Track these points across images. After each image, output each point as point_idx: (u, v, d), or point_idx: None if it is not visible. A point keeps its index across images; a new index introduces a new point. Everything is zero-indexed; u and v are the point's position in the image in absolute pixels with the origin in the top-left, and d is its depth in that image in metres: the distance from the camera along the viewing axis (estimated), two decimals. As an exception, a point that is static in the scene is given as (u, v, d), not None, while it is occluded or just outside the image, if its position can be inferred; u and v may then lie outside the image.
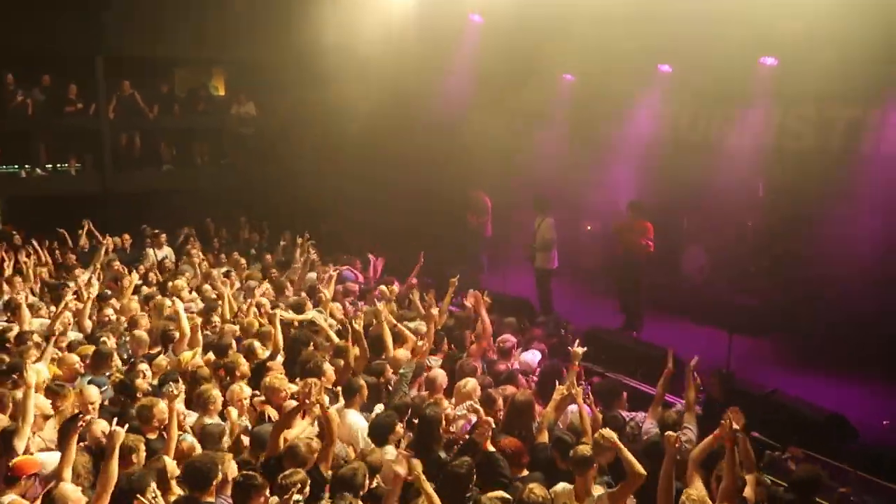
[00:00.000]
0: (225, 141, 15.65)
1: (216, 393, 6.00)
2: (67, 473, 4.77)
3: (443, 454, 5.29)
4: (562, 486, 5.06)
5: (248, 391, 6.25)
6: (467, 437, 5.62)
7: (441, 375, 6.65)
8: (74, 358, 6.77)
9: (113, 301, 8.90)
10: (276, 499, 4.47)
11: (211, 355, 7.15)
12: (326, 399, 5.45)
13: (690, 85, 11.60)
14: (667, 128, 11.92)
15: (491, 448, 5.22)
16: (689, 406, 6.14)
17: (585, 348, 6.53)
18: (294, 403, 5.63)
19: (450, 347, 7.78)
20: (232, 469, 4.88)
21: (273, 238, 13.54)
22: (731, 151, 11.25)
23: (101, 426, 5.27)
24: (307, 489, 4.67)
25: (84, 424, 5.02)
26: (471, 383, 6.38)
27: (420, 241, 11.47)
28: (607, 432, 5.13)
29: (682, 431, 5.75)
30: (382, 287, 9.67)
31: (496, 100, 11.95)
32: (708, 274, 10.89)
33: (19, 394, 5.58)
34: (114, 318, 8.35)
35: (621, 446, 4.97)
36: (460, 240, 12.66)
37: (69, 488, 4.60)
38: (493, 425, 5.43)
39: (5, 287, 9.47)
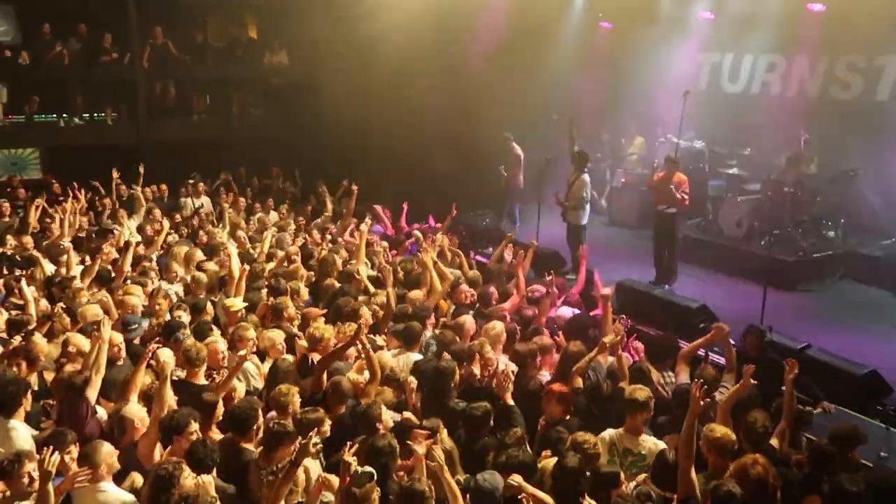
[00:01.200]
0: (257, 90, 15.63)
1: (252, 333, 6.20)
2: (134, 396, 5.11)
3: (461, 403, 5.30)
4: (609, 432, 5.14)
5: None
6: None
7: (469, 321, 6.74)
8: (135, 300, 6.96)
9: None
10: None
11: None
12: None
13: (732, 32, 11.25)
14: (707, 76, 11.63)
15: (510, 401, 5.27)
16: (731, 366, 6.15)
17: (611, 290, 6.55)
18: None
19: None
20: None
21: (306, 187, 13.61)
22: (773, 101, 10.96)
23: (164, 355, 5.48)
24: (326, 428, 4.79)
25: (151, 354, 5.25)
26: (498, 326, 6.49)
27: (453, 190, 11.43)
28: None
29: (719, 390, 5.79)
30: (416, 233, 9.68)
31: (532, 46, 11.70)
32: (745, 227, 10.70)
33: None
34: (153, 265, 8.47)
35: None
36: (493, 190, 12.57)
37: (135, 407, 4.93)
38: (511, 377, 5.48)
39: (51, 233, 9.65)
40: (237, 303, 6.95)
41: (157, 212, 11.15)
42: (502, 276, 8.35)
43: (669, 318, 8.32)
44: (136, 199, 11.22)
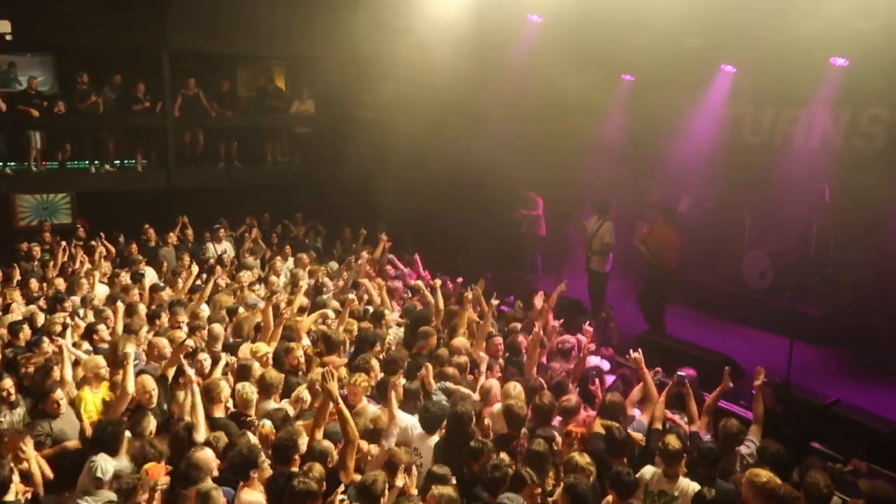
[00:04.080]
0: (284, 139, 15.95)
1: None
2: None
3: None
4: (649, 469, 5.27)
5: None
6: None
7: (496, 386, 6.58)
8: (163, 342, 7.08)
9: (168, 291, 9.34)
10: None
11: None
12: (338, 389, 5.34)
13: (755, 85, 11.32)
14: (729, 129, 11.67)
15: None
16: (758, 419, 6.05)
17: (639, 353, 6.48)
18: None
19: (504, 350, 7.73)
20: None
21: (331, 236, 13.74)
22: (796, 153, 10.95)
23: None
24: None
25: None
26: (518, 387, 6.38)
27: (474, 241, 11.49)
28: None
29: (745, 444, 5.70)
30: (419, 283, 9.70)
31: (554, 101, 11.85)
32: (770, 280, 10.59)
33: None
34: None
35: None
36: (515, 241, 12.61)
37: (209, 454, 5.01)
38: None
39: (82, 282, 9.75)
40: (262, 348, 7.00)
41: (186, 257, 11.33)
42: (532, 325, 8.29)
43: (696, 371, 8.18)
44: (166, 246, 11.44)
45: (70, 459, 5.61)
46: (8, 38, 13.30)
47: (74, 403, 6.22)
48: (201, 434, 5.40)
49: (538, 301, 8.27)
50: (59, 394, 5.92)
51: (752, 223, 11.52)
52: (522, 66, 12.04)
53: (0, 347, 7.36)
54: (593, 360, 7.41)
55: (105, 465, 4.99)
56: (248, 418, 5.87)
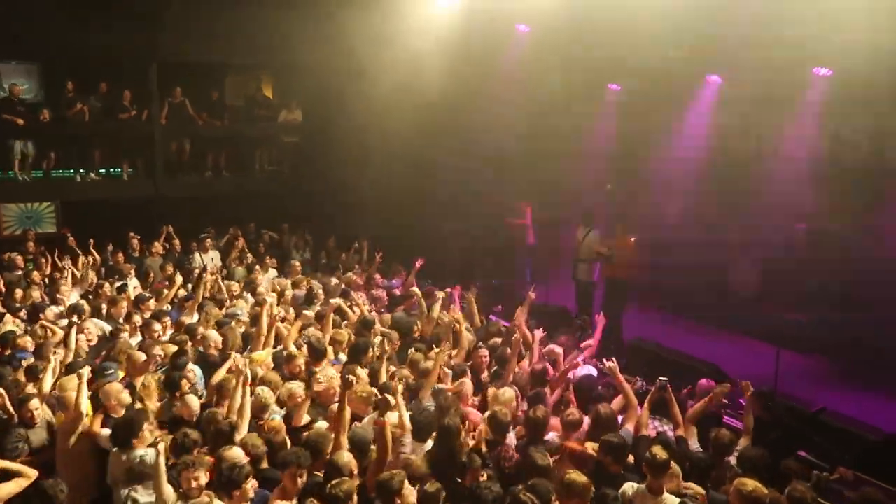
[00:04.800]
0: (272, 148, 15.90)
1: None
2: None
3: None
4: (631, 486, 5.10)
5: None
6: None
7: (468, 386, 6.68)
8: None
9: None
10: None
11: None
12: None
13: (740, 95, 11.41)
14: (716, 137, 11.74)
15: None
16: (747, 431, 6.07)
17: (613, 362, 6.46)
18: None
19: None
20: None
21: (316, 245, 13.69)
22: (782, 162, 11.03)
23: None
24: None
25: None
26: (508, 393, 6.41)
27: (463, 250, 11.49)
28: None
29: (735, 454, 5.70)
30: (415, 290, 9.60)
31: (542, 110, 11.91)
32: (756, 287, 10.65)
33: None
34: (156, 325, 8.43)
35: None
36: (503, 250, 12.62)
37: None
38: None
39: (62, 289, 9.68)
40: (261, 355, 7.07)
41: (170, 268, 11.23)
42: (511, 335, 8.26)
43: (681, 379, 8.19)
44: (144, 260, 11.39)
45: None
46: (-8, 46, 13.24)
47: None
48: (242, 434, 5.58)
49: (520, 312, 8.24)
50: (34, 403, 5.96)
51: (738, 231, 11.58)
52: (511, 74, 12.07)
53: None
54: (586, 370, 7.38)
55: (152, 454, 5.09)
56: (261, 423, 5.91)
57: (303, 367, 6.98)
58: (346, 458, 5.11)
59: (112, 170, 14.50)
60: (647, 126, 12.05)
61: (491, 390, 6.71)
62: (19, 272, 10.91)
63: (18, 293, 9.61)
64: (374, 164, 13.13)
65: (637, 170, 12.29)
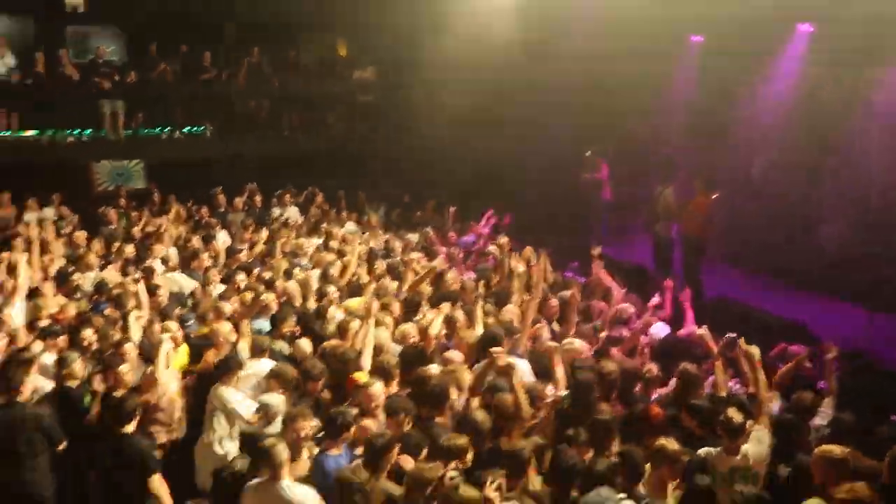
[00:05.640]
0: (347, 106, 16.05)
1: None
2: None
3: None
4: (707, 451, 5.03)
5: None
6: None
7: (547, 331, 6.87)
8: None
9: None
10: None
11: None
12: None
13: (834, 45, 10.83)
14: (806, 90, 11.20)
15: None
16: (831, 392, 5.88)
17: (705, 330, 6.27)
18: None
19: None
20: None
21: (392, 201, 13.84)
22: (877, 116, 10.46)
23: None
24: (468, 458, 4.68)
25: None
26: (577, 343, 6.46)
27: (538, 207, 11.41)
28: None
29: (818, 416, 5.57)
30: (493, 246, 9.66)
31: (621, 63, 11.57)
32: (847, 246, 10.21)
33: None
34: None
35: None
36: (580, 206, 12.44)
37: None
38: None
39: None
40: (353, 303, 7.35)
41: (251, 222, 11.62)
42: (598, 291, 8.23)
43: (768, 339, 7.99)
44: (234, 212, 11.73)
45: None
46: (81, 10, 13.72)
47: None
48: (367, 361, 5.91)
49: (597, 268, 8.14)
50: (129, 346, 6.25)
51: (829, 187, 11.08)
52: (588, 27, 11.76)
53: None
54: (656, 328, 7.29)
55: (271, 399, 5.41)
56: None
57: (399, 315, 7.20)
58: (481, 416, 5.12)
59: (194, 129, 14.95)
60: (731, 78, 11.58)
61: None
62: (112, 227, 11.44)
63: (113, 247, 10.08)
64: (449, 120, 13.09)
65: (720, 124, 11.86)
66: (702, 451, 5.04)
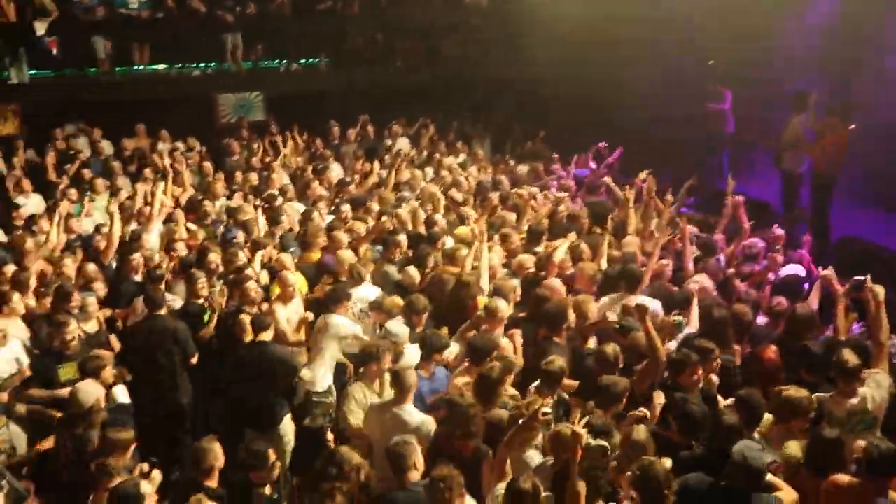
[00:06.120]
0: (460, 34, 15.80)
1: None
2: None
3: None
4: (820, 397, 4.81)
5: None
6: None
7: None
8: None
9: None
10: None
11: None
12: None
13: None
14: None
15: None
16: None
17: (829, 271, 5.94)
18: None
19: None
20: None
21: (504, 132, 13.69)
22: None
23: None
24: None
25: None
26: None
27: (655, 138, 10.98)
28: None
29: None
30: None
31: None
32: None
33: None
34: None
35: None
36: (698, 140, 11.87)
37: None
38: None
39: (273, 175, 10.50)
40: (463, 231, 7.49)
41: (362, 154, 11.86)
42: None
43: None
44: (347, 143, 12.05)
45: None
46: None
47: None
48: (485, 284, 6.27)
49: (730, 202, 7.82)
50: (251, 284, 6.50)
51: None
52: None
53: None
54: (789, 269, 6.95)
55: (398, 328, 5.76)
56: None
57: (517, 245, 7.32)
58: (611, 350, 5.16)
59: (310, 60, 15.23)
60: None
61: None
62: (236, 157, 11.99)
63: (238, 177, 10.57)
64: (564, 49, 12.67)
65: (859, 49, 10.85)
66: (814, 397, 4.81)
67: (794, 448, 4.36)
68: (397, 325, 5.77)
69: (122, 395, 5.48)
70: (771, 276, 6.77)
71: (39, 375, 5.56)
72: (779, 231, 7.52)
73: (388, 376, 5.20)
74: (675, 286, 6.58)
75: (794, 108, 9.78)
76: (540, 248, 7.19)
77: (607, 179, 9.41)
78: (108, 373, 5.31)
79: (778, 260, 6.96)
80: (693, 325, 5.70)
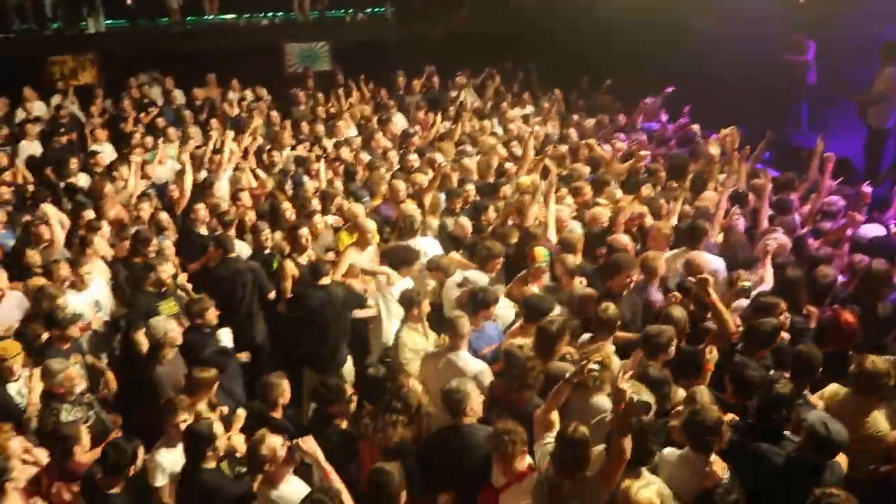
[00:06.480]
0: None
1: None
2: None
3: None
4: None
5: None
6: None
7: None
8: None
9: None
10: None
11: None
12: None
13: None
14: None
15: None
16: None
17: None
18: None
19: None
20: None
21: (571, 84, 13.34)
22: None
23: None
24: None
25: None
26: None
27: (733, 89, 10.55)
28: None
29: None
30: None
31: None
32: None
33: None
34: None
35: None
36: (779, 89, 11.31)
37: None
38: None
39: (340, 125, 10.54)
40: (525, 180, 7.35)
41: (423, 105, 11.79)
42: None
43: None
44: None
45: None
46: None
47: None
48: (552, 235, 6.25)
49: (816, 159, 7.49)
50: (304, 231, 6.64)
51: None
52: None
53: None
54: (870, 230, 6.65)
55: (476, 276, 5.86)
56: None
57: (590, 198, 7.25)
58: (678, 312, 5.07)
59: (376, 9, 15.12)
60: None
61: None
62: (302, 107, 12.08)
63: (304, 126, 10.66)
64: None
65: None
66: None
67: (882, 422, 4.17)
68: (477, 275, 5.81)
69: (226, 338, 5.69)
70: (849, 232, 6.47)
71: (141, 312, 5.80)
72: (867, 188, 7.18)
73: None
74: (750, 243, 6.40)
75: (885, 56, 9.20)
76: (602, 199, 7.13)
77: (695, 127, 9.14)
78: (212, 314, 5.57)
79: (857, 219, 6.64)
80: (768, 283, 5.54)
